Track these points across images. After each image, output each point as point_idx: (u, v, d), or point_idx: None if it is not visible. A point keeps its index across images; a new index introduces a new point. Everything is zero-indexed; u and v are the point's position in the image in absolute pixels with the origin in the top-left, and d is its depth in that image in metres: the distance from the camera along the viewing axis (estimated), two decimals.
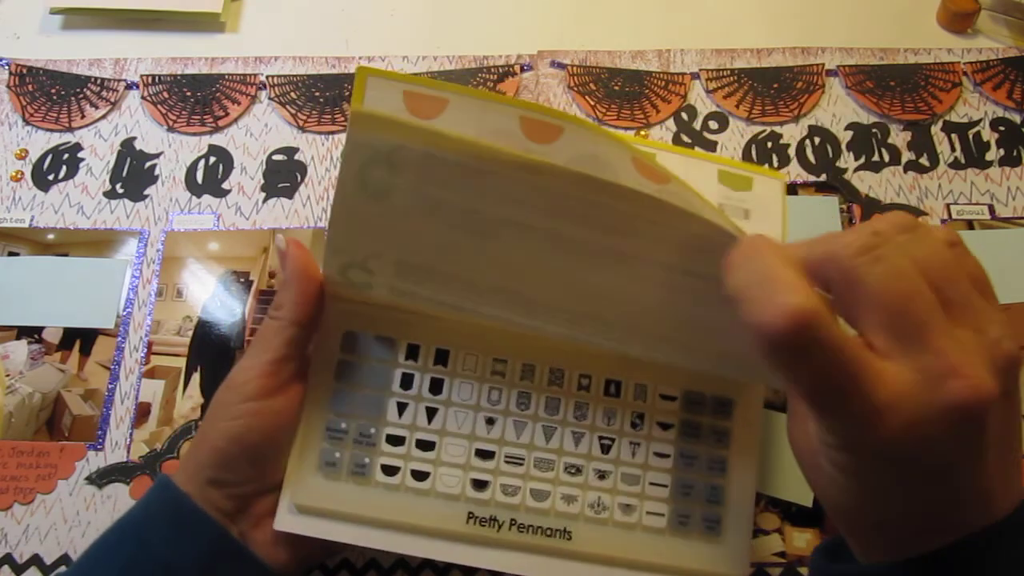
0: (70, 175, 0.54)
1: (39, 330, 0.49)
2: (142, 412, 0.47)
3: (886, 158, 0.54)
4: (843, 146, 0.54)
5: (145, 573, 0.34)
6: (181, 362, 0.48)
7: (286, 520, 0.36)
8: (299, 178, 0.54)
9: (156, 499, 0.37)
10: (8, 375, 0.48)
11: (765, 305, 0.24)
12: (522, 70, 0.58)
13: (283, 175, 0.54)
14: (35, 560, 0.43)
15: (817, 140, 0.55)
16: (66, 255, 0.51)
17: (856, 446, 0.26)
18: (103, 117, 0.56)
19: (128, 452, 0.46)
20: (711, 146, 0.54)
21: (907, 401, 0.24)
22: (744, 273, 0.26)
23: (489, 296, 0.36)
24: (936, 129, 0.55)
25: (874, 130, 0.55)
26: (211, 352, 0.49)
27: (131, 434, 0.46)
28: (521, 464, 0.38)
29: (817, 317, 0.23)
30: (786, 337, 0.23)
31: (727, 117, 0.56)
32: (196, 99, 0.57)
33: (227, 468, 0.36)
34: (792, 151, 0.54)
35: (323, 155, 0.54)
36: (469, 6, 0.62)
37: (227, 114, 0.56)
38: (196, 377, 0.48)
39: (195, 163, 0.54)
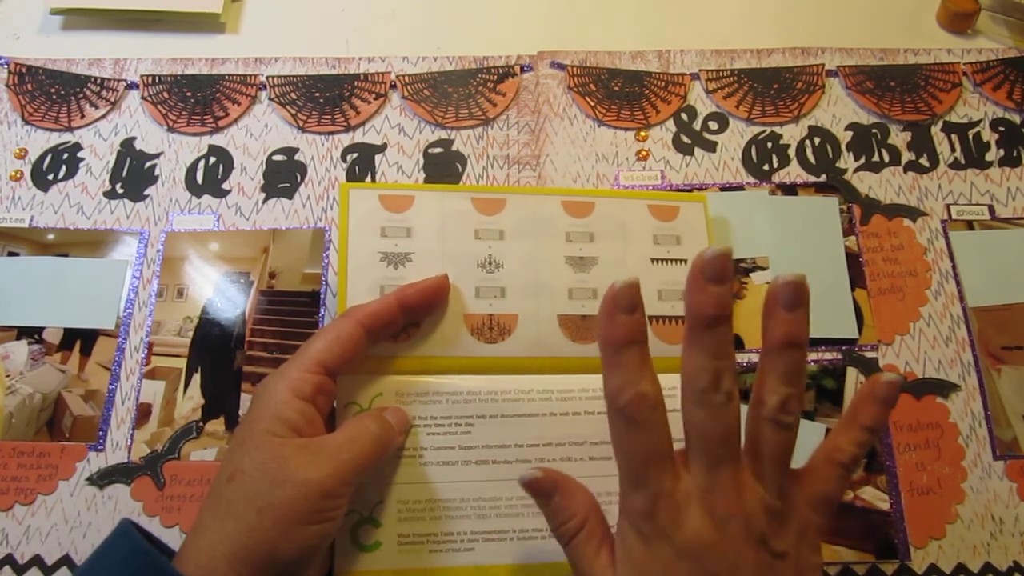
0: (70, 175, 0.54)
1: (39, 330, 0.49)
2: (143, 413, 0.47)
3: (886, 158, 0.54)
4: (843, 146, 0.54)
5: None
6: (182, 363, 0.48)
7: None
8: (299, 178, 0.54)
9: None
10: (8, 375, 0.48)
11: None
12: (522, 70, 0.58)
13: (283, 175, 0.54)
14: (36, 561, 0.43)
15: (817, 140, 0.55)
16: (66, 255, 0.51)
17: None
18: (103, 117, 0.56)
19: (129, 453, 0.46)
20: (711, 146, 0.54)
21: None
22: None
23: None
24: (936, 129, 0.55)
25: (874, 130, 0.55)
26: (212, 353, 0.49)
27: (132, 435, 0.46)
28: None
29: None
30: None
31: (727, 117, 0.56)
32: (196, 99, 0.57)
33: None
34: (792, 151, 0.54)
35: (323, 155, 0.54)
36: (469, 6, 0.62)
37: (227, 114, 0.56)
38: (197, 378, 0.48)
39: (195, 163, 0.54)
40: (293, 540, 0.33)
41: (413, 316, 0.42)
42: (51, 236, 0.52)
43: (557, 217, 0.46)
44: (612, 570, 0.34)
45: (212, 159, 0.55)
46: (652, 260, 0.46)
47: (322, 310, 0.49)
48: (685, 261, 0.46)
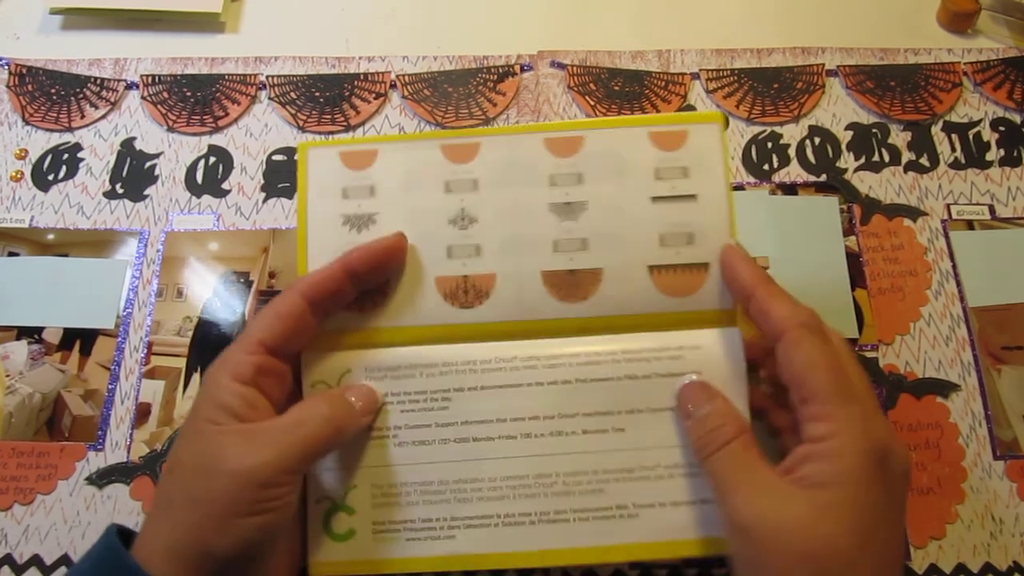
0: (70, 175, 0.54)
1: (39, 330, 0.49)
2: (142, 412, 0.47)
3: (886, 158, 0.54)
4: (843, 146, 0.54)
5: None
6: (181, 362, 0.48)
7: None
8: None
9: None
10: (8, 375, 0.48)
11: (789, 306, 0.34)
12: (522, 70, 0.58)
13: (283, 175, 0.54)
14: (35, 560, 0.43)
15: (817, 140, 0.55)
16: (66, 255, 0.51)
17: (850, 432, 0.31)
18: (103, 117, 0.56)
19: (128, 452, 0.46)
20: None
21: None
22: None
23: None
24: (936, 129, 0.55)
25: (874, 130, 0.55)
26: (211, 352, 0.48)
27: (131, 434, 0.46)
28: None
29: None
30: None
31: (727, 117, 0.55)
32: (196, 99, 0.57)
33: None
34: (792, 151, 0.54)
35: None
36: (469, 6, 0.62)
37: (227, 114, 0.56)
38: (196, 377, 0.48)
39: (195, 163, 0.54)
40: (229, 533, 0.31)
41: (364, 282, 0.37)
42: (51, 236, 0.52)
43: (539, 157, 0.39)
44: (795, 488, 0.31)
45: (212, 159, 0.55)
46: (653, 199, 0.39)
47: None
48: (695, 197, 0.38)
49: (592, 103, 0.56)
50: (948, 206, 0.52)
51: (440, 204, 0.39)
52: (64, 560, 0.43)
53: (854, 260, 0.50)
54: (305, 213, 0.39)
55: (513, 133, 0.40)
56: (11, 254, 0.51)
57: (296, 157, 0.40)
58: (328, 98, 0.56)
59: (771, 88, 0.56)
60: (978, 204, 0.52)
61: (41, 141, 0.55)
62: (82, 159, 0.55)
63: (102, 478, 0.45)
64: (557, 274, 0.38)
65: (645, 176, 0.39)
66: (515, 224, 0.39)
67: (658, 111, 0.55)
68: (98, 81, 0.57)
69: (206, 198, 0.53)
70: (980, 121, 0.55)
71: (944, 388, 0.47)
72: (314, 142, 0.40)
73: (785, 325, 0.33)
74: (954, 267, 0.50)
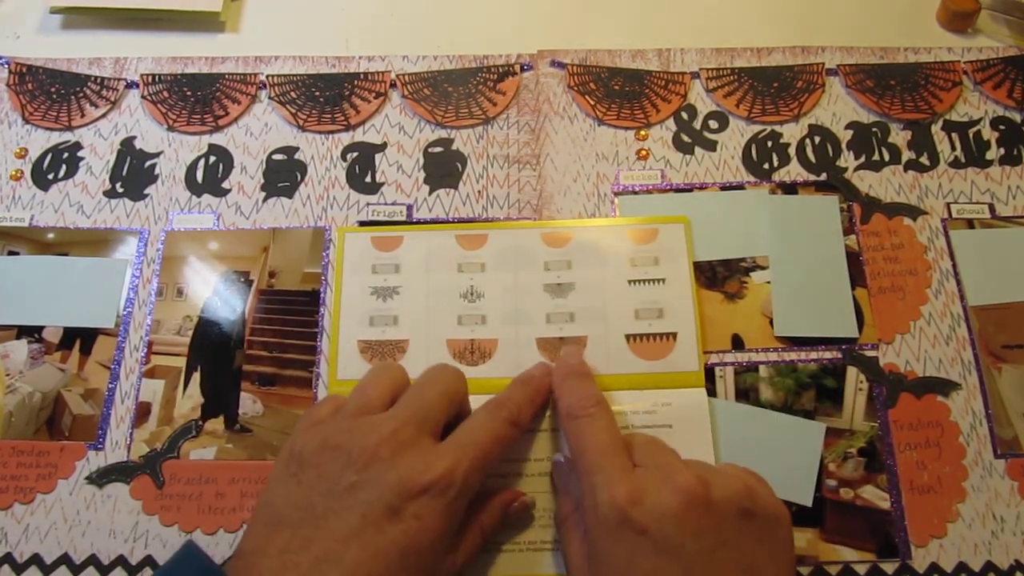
0: (70, 174, 0.54)
1: (39, 329, 0.49)
2: (142, 412, 0.47)
3: (886, 157, 0.54)
4: (843, 145, 0.54)
5: None
6: (181, 362, 0.48)
7: None
8: (299, 177, 0.54)
9: None
10: (8, 374, 0.48)
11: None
12: (522, 70, 0.58)
13: (283, 174, 0.54)
14: (35, 559, 0.43)
15: (817, 139, 0.55)
16: (66, 254, 0.51)
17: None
18: (103, 116, 0.56)
19: (128, 452, 0.46)
20: (711, 145, 0.54)
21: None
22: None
23: None
24: (936, 128, 0.55)
25: (874, 129, 0.55)
26: (211, 352, 0.48)
27: (131, 434, 0.46)
28: None
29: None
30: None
31: (727, 116, 0.56)
32: (196, 98, 0.57)
33: None
34: (792, 150, 0.54)
35: (323, 154, 0.54)
36: (469, 6, 0.62)
37: (227, 113, 0.56)
38: (196, 376, 0.48)
39: (195, 162, 0.54)
40: None
41: None
42: (51, 235, 0.52)
43: (536, 248, 0.48)
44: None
45: (212, 158, 0.55)
46: (629, 282, 0.48)
47: (322, 309, 0.49)
48: (664, 281, 0.48)
49: (592, 102, 0.56)
50: (948, 205, 0.52)
51: (453, 281, 0.48)
52: (64, 559, 0.43)
53: (854, 259, 0.50)
54: (340, 284, 0.48)
55: (516, 228, 0.49)
56: (11, 253, 0.51)
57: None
58: (328, 97, 0.56)
59: (771, 87, 0.56)
60: (978, 203, 0.52)
61: (41, 140, 0.55)
62: (82, 158, 0.55)
63: (102, 477, 0.45)
64: (549, 340, 0.46)
65: (622, 264, 0.48)
66: (515, 300, 0.47)
67: (658, 110, 0.55)
68: (98, 80, 0.57)
69: (206, 197, 0.53)
70: (980, 120, 0.55)
71: (945, 387, 0.47)
72: (351, 228, 0.50)
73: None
74: (954, 266, 0.50)
